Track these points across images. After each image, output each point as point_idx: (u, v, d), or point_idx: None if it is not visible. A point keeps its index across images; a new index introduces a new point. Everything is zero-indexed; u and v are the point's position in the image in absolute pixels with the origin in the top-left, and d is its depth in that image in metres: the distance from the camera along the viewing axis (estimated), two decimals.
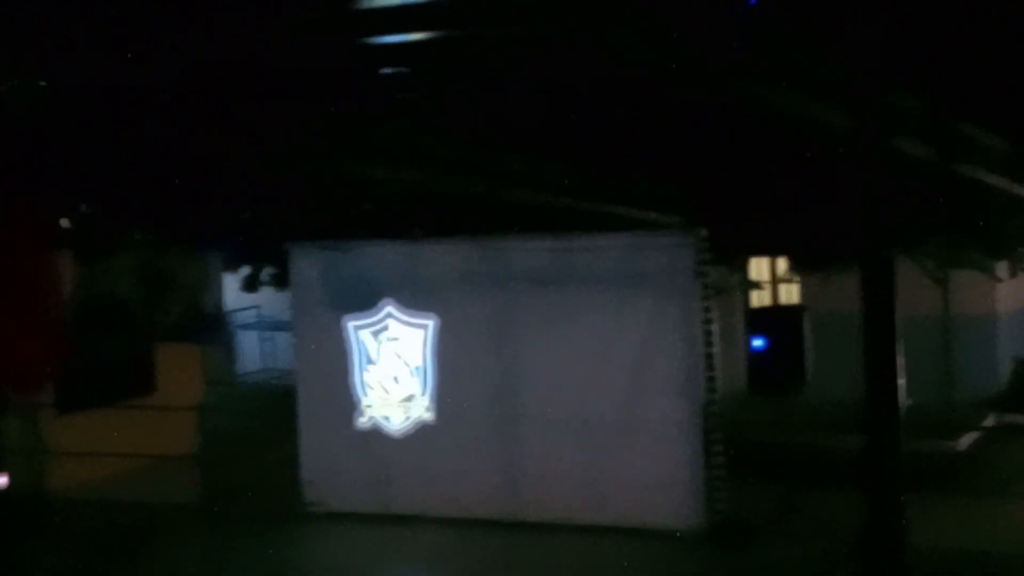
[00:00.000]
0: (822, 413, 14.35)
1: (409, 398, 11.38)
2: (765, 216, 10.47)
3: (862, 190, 7.93)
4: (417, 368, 11.33)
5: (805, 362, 16.38)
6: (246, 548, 10.70)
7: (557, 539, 10.48)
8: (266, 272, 13.80)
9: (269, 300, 17.17)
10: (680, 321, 10.43)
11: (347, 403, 11.52)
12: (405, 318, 11.36)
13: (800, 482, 11.66)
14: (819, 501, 10.85)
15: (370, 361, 11.48)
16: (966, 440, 13.71)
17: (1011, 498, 11.22)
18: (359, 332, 11.50)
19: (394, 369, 11.40)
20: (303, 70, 6.49)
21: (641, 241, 10.64)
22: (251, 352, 20.85)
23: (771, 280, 18.07)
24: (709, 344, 10.44)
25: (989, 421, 14.48)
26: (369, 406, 11.50)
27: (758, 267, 17.68)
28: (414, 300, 11.33)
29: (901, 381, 8.76)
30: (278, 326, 18.61)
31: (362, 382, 11.51)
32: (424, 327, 11.27)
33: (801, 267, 15.60)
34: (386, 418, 11.45)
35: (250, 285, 14.39)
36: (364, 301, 11.44)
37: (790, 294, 18.05)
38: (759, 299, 17.87)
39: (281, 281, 13.06)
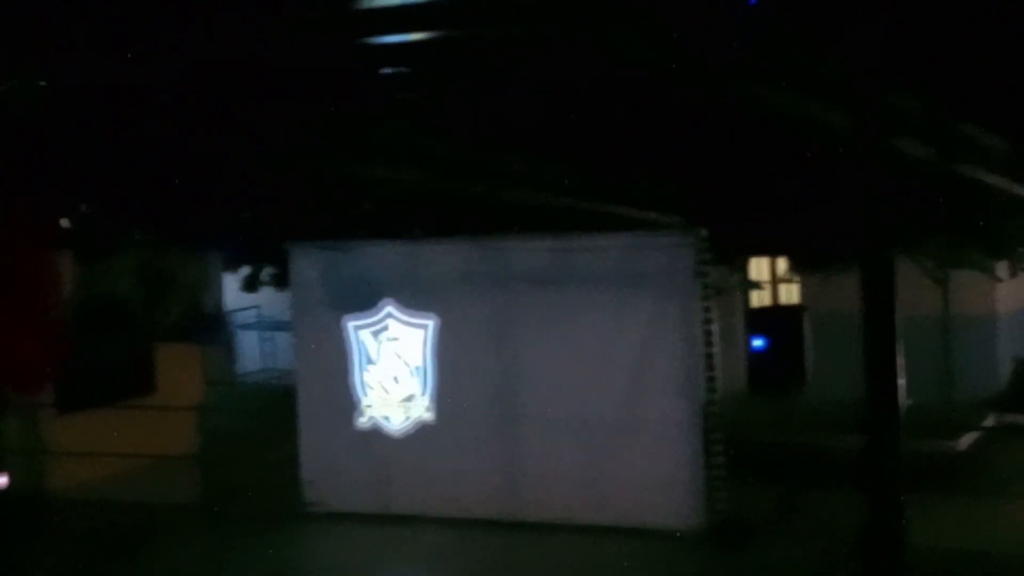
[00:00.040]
0: (822, 413, 14.35)
1: (409, 398, 11.38)
2: (765, 216, 10.47)
3: (862, 190, 7.93)
4: (417, 368, 11.33)
5: (805, 362, 16.38)
6: (246, 548, 10.70)
7: (557, 539, 10.48)
8: (266, 272, 13.80)
9: (269, 300, 17.17)
10: (680, 321, 10.43)
11: (347, 403, 11.52)
12: (405, 318, 11.36)
13: (800, 482, 11.66)
14: (819, 501, 10.85)
15: (370, 361, 11.48)
16: (966, 440, 13.71)
17: (1011, 498, 11.22)
18: (359, 332, 11.50)
19: (394, 369, 11.40)
20: (303, 70, 6.49)
21: (641, 241, 10.64)
22: (251, 352, 20.85)
23: (771, 280, 18.07)
24: (709, 344, 10.44)
25: (989, 421, 14.48)
26: (369, 406, 11.51)
27: (758, 267, 17.68)
28: (414, 300, 11.33)
29: (901, 381, 8.76)
30: (278, 326, 18.62)
31: (362, 382, 11.51)
32: (424, 327, 11.27)
33: (801, 267, 15.60)
34: (386, 418, 11.45)
35: (250, 285, 14.39)
36: (364, 301, 11.44)
37: (790, 294, 18.05)
38: (759, 299, 17.87)
39: (281, 281, 13.06)
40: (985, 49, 6.09)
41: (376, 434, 11.47)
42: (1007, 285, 14.76)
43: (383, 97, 7.36)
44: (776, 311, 17.69)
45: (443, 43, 5.89)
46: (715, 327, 10.63)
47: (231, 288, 16.32)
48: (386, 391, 11.44)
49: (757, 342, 16.85)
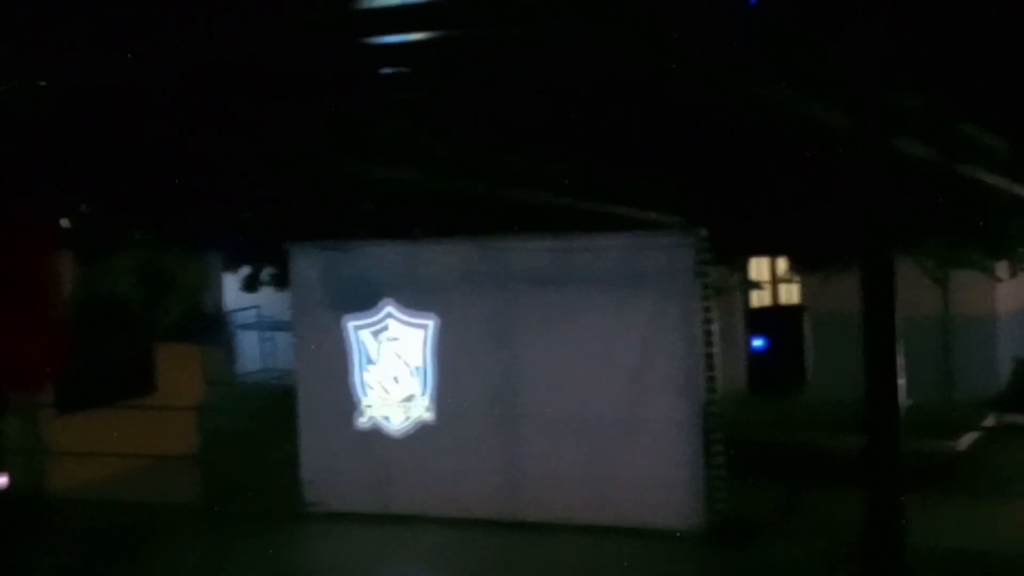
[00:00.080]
0: (822, 413, 14.35)
1: (409, 398, 11.38)
2: (765, 216, 10.48)
3: (862, 190, 7.92)
4: (417, 368, 11.33)
5: (805, 362, 16.38)
6: (246, 548, 10.70)
7: (557, 539, 10.48)
8: (266, 272, 13.81)
9: (269, 300, 17.18)
10: (680, 321, 10.43)
11: (347, 403, 11.52)
12: (405, 318, 11.36)
13: (800, 482, 11.66)
14: (819, 501, 10.86)
15: (370, 361, 11.48)
16: (966, 440, 13.71)
17: (1011, 498, 11.22)
18: (359, 332, 11.50)
19: (394, 369, 11.40)
20: (303, 70, 6.49)
21: (641, 241, 10.64)
22: (251, 352, 20.86)
23: (771, 280, 18.08)
24: (709, 344, 10.44)
25: (989, 421, 14.48)
26: (369, 406, 11.51)
27: (758, 267, 17.69)
28: (414, 300, 11.33)
29: (901, 381, 8.76)
30: (278, 326, 18.62)
31: (362, 382, 11.51)
32: (424, 327, 11.27)
33: (801, 267, 15.61)
34: (386, 418, 11.45)
35: (250, 285, 14.40)
36: (364, 301, 11.43)
37: (790, 294, 18.05)
38: (759, 299, 17.88)
39: (281, 281, 13.07)
40: (985, 49, 6.09)
41: (376, 434, 11.47)
42: (1007, 285, 14.77)
43: (383, 97, 7.36)
44: (776, 311, 17.70)
45: (443, 43, 5.89)
46: (715, 327, 10.63)
47: (231, 288, 16.34)
48: (386, 391, 11.44)
49: (757, 342, 16.85)
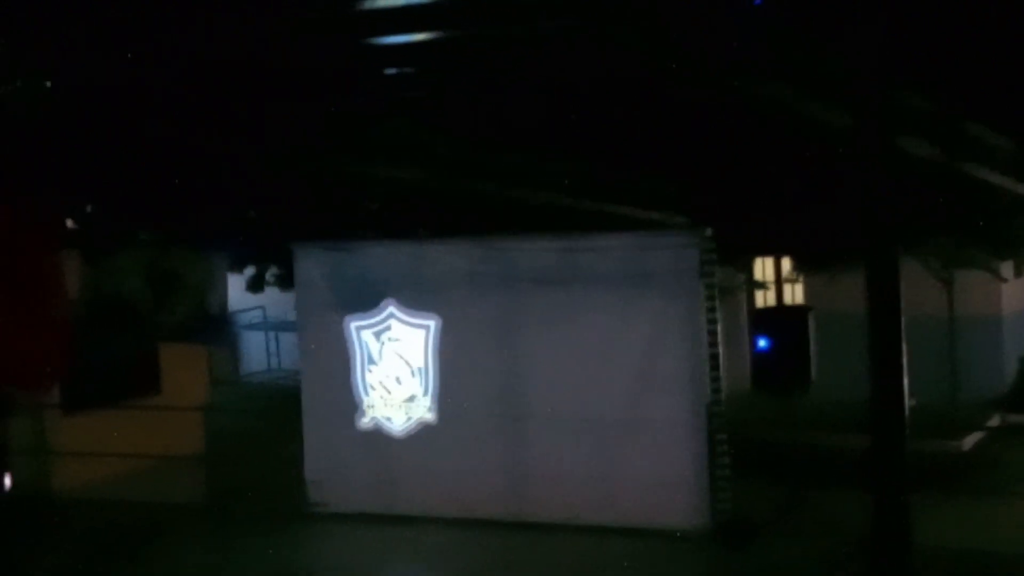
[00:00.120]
0: (827, 413, 14.33)
1: (411, 398, 11.37)
2: (770, 216, 10.47)
3: (867, 189, 7.91)
4: (419, 368, 11.33)
5: (810, 362, 16.36)
6: (250, 548, 10.70)
7: (560, 539, 10.47)
8: (271, 272, 13.83)
9: (274, 300, 17.19)
10: (684, 321, 10.41)
11: (351, 403, 11.51)
12: (407, 318, 11.35)
13: (805, 482, 11.63)
14: (823, 501, 10.84)
15: (372, 361, 11.47)
16: (971, 440, 13.68)
17: (1016, 498, 11.20)
18: (361, 332, 11.49)
19: (396, 369, 11.39)
20: (306, 70, 6.50)
21: (645, 241, 10.62)
22: (256, 352, 20.88)
23: (776, 280, 18.05)
24: (714, 344, 10.41)
25: (994, 421, 14.46)
26: (371, 406, 11.50)
27: (763, 267, 17.67)
28: (416, 300, 11.31)
29: (906, 381, 8.73)
30: (283, 326, 18.63)
31: (364, 382, 11.50)
32: (426, 327, 11.26)
33: (806, 267, 15.60)
34: (388, 419, 11.44)
35: (255, 285, 14.44)
36: (367, 301, 11.43)
37: (795, 294, 18.03)
38: (764, 299, 17.86)
39: (286, 281, 13.08)
40: (991, 48, 6.08)
41: (379, 434, 11.46)
42: (1012, 285, 14.76)
43: (386, 97, 7.37)
44: (781, 311, 17.67)
45: (444, 43, 5.90)
46: (720, 327, 10.60)
47: (236, 288, 16.35)
48: (388, 391, 11.43)
49: (762, 342, 16.82)
